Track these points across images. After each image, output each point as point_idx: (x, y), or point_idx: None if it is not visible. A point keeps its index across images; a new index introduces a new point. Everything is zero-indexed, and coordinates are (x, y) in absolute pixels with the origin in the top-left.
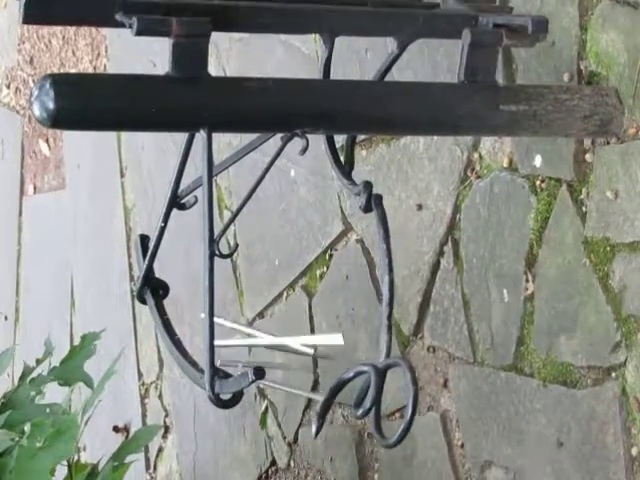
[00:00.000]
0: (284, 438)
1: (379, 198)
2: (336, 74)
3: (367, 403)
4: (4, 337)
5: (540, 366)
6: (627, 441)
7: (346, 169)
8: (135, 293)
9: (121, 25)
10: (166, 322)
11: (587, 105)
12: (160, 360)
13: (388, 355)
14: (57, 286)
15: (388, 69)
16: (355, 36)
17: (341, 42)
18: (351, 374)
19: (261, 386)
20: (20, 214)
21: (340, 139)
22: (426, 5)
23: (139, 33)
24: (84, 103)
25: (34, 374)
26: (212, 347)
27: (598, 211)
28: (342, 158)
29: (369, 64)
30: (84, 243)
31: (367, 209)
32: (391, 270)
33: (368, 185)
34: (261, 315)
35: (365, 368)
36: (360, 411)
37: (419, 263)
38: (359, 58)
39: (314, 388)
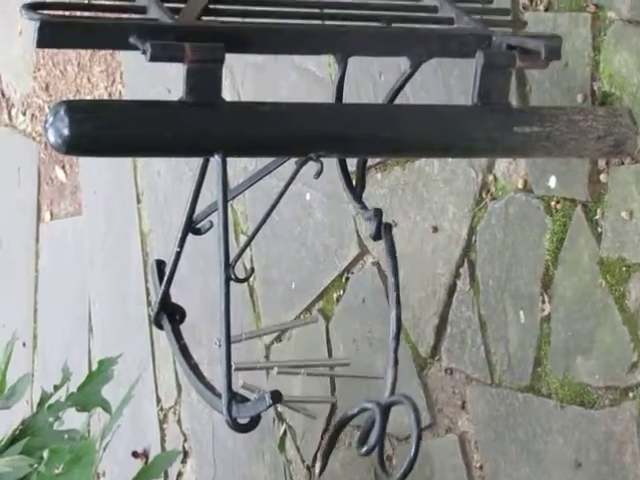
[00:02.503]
0: (303, 461)
1: (389, 227)
2: (350, 97)
3: (371, 440)
4: (23, 363)
5: (557, 387)
6: None
7: (357, 192)
8: (152, 318)
9: (134, 48)
10: (183, 347)
11: (601, 126)
12: (178, 385)
13: (393, 392)
14: (75, 312)
15: (401, 87)
16: (368, 56)
17: (355, 65)
18: (355, 410)
19: (279, 409)
20: (37, 240)
21: (351, 162)
22: (440, 19)
23: (153, 58)
24: (99, 129)
25: (52, 400)
26: (229, 371)
27: (613, 231)
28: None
29: (383, 87)
30: (101, 269)
31: (377, 237)
32: (398, 304)
33: (378, 212)
34: (278, 339)
35: (369, 405)
36: (364, 448)
37: (435, 285)
38: (373, 81)
39: (332, 411)
